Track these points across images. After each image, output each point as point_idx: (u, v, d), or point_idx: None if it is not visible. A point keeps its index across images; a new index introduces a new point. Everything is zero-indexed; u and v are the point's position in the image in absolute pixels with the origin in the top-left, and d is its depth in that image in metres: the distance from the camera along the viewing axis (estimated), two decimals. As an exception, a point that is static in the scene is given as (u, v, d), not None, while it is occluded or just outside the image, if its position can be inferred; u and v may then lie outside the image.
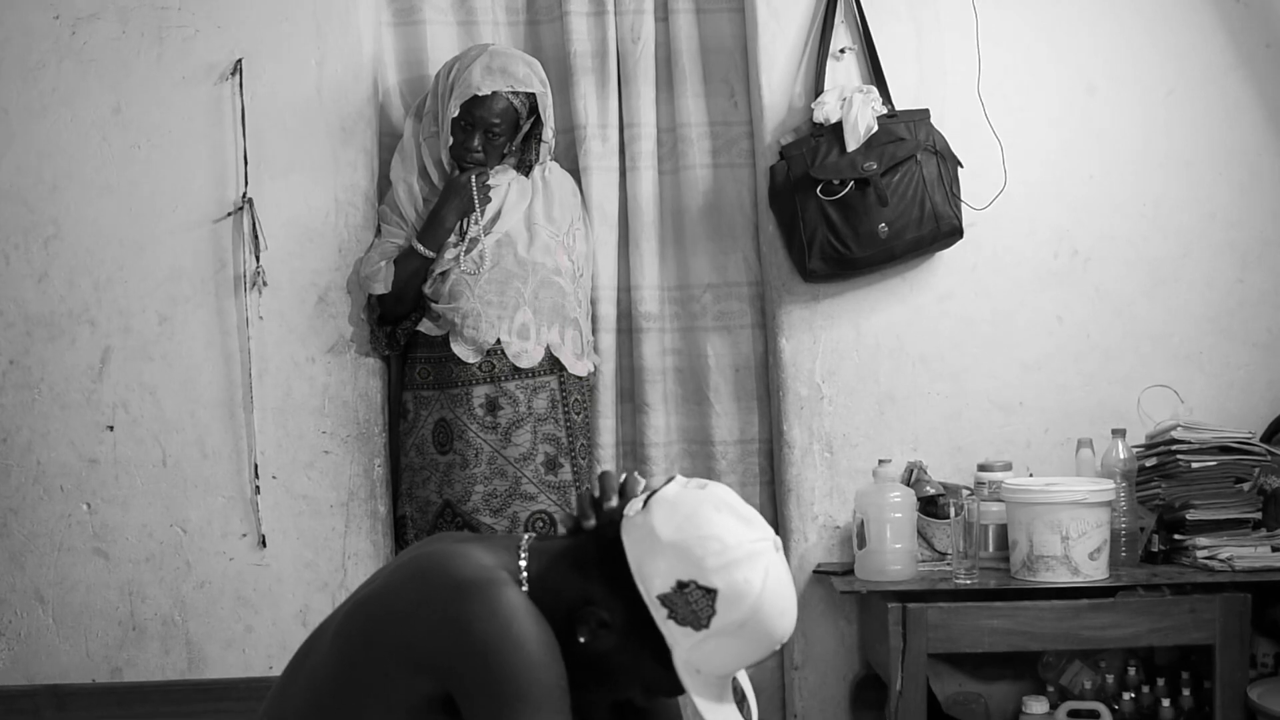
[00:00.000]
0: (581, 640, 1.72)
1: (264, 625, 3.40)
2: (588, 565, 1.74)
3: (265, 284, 3.41)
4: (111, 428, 3.42)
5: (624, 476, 1.83)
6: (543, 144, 3.39)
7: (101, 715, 3.33)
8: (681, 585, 1.68)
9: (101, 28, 3.42)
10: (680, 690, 1.74)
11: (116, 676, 3.40)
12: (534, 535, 1.83)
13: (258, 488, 3.41)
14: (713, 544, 1.69)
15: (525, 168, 3.41)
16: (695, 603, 1.68)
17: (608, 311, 3.54)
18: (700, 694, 1.71)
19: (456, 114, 3.27)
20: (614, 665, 1.74)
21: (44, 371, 3.42)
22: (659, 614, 1.69)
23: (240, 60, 3.41)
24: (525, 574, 1.75)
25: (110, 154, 3.43)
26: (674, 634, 1.69)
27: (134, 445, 3.42)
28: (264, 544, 3.41)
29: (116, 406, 3.42)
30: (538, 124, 3.37)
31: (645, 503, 1.74)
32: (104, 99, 3.42)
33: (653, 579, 1.69)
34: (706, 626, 1.68)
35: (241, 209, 3.41)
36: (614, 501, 1.80)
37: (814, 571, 3.44)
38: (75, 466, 3.41)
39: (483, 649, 1.62)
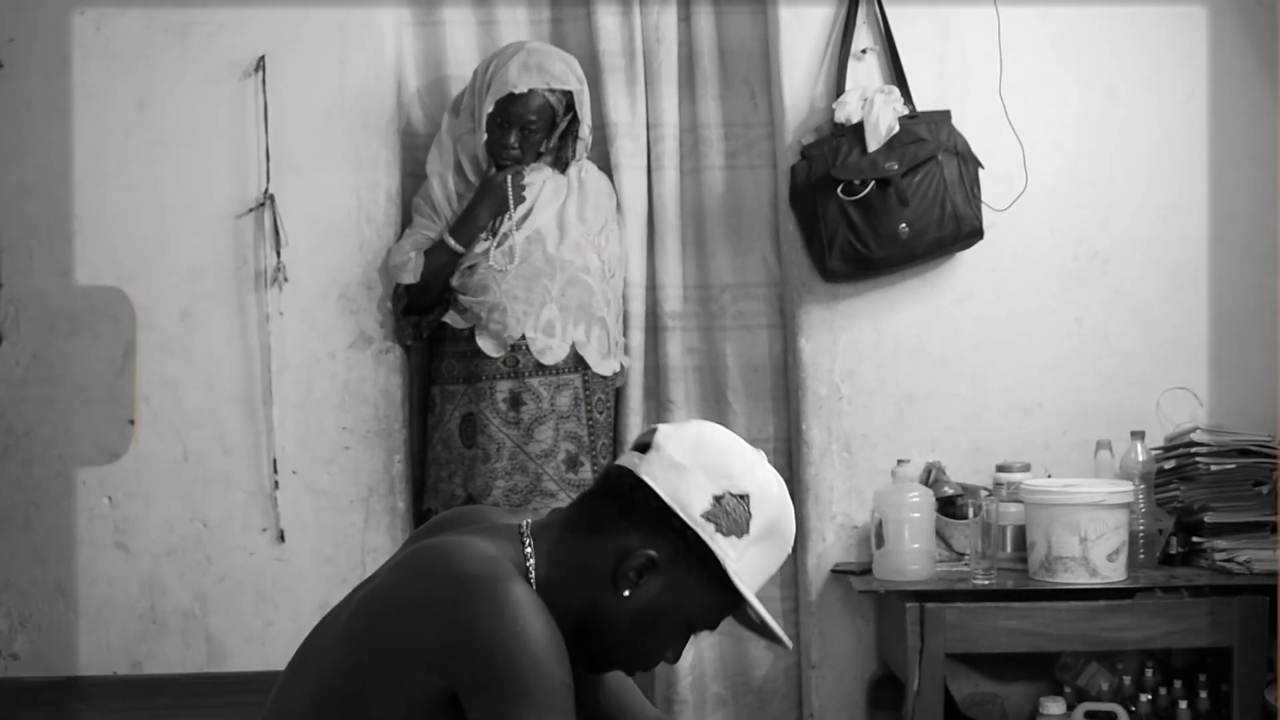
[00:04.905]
0: (626, 594, 1.73)
1: (283, 620, 3.41)
2: (608, 522, 1.75)
3: (286, 280, 3.43)
4: (133, 422, 3.43)
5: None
6: (579, 141, 3.39)
7: (122, 707, 3.34)
8: (718, 498, 1.73)
9: (125, 24, 3.43)
10: (730, 609, 1.77)
11: (137, 669, 3.41)
12: (530, 519, 1.82)
13: (277, 483, 3.42)
14: (729, 454, 1.76)
15: (562, 165, 3.42)
16: (734, 511, 1.73)
17: (637, 310, 3.55)
18: (755, 603, 1.75)
19: (493, 110, 3.28)
20: (655, 612, 1.74)
21: (66, 366, 3.43)
22: (707, 531, 1.72)
23: (263, 57, 3.42)
24: (531, 560, 1.74)
25: (133, 150, 3.44)
26: (723, 547, 1.72)
27: (155, 440, 3.43)
28: (283, 539, 3.43)
29: (138, 401, 3.43)
30: (574, 121, 3.37)
31: (644, 449, 1.77)
32: (127, 95, 3.43)
33: (691, 502, 1.72)
34: (748, 531, 1.73)
35: (263, 205, 3.42)
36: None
37: (832, 571, 3.44)
38: (97, 461, 3.43)
39: (488, 646, 1.61)
